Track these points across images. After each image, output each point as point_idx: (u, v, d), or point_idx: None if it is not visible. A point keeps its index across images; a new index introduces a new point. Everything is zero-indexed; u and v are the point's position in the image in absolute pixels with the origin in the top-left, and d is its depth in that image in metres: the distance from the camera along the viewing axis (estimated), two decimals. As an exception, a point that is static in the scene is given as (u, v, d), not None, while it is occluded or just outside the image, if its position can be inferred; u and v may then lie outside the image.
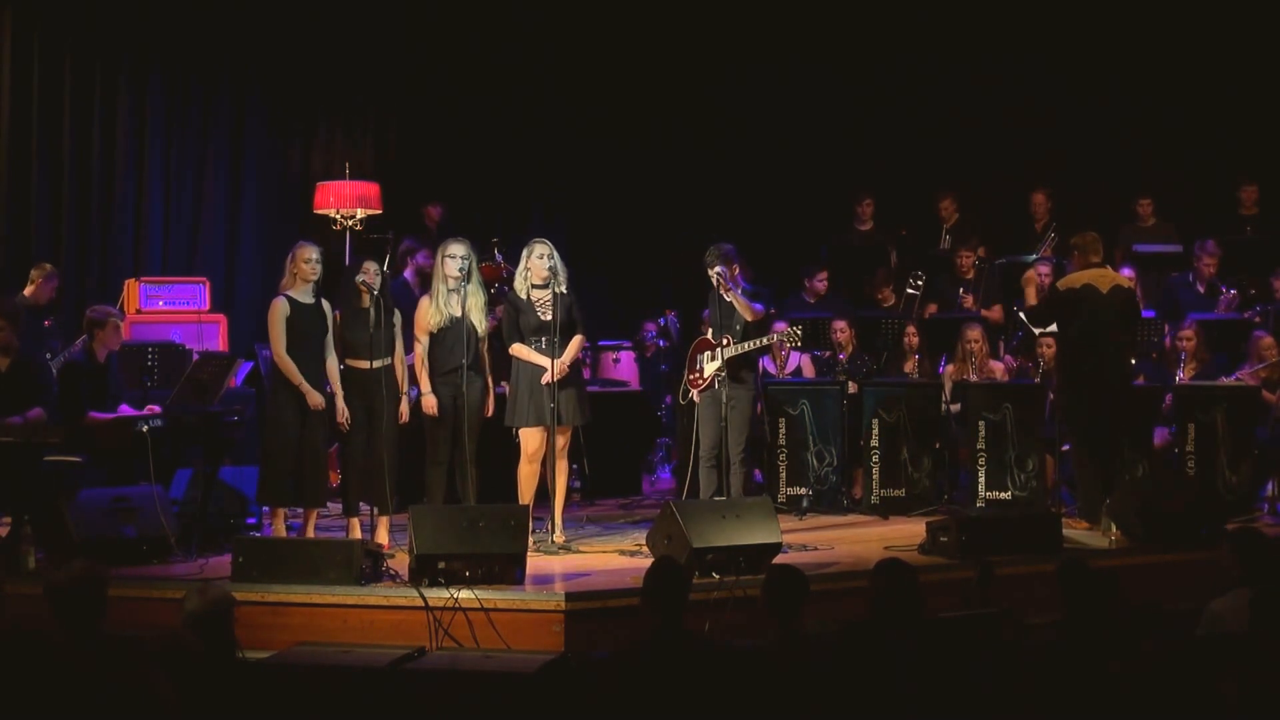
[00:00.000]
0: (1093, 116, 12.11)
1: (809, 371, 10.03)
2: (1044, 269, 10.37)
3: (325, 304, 7.82)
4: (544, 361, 7.74)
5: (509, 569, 6.62)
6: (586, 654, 5.96)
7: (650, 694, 4.71)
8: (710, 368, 8.18)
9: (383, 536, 7.76)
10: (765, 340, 8.33)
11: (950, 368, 9.87)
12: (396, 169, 12.21)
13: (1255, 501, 8.99)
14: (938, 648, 5.06)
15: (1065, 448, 8.93)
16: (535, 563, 7.01)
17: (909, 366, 9.98)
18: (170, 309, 10.32)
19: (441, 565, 6.53)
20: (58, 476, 7.62)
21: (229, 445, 8.24)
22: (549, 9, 12.58)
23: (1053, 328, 8.88)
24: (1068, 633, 5.09)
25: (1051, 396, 9.13)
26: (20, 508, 7.34)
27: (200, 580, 6.51)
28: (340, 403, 7.73)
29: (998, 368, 9.87)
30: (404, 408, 7.89)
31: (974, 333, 9.63)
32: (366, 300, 7.74)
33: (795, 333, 8.48)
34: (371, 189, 10.97)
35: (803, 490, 9.28)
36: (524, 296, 7.89)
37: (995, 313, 10.68)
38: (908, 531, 8.18)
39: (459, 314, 7.83)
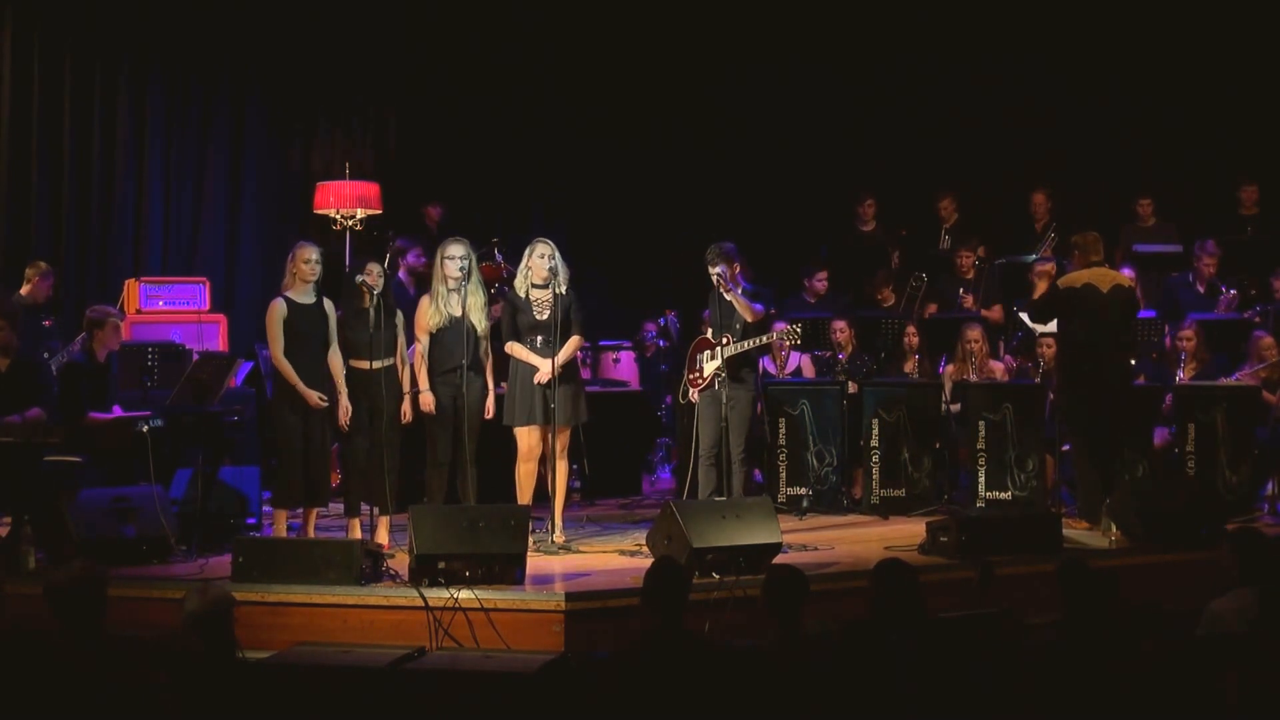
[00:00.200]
0: (1093, 116, 12.11)
1: (809, 371, 10.03)
2: (1044, 269, 10.35)
3: (328, 304, 7.82)
4: (538, 360, 7.75)
5: (509, 569, 6.62)
6: (586, 654, 5.96)
7: (650, 694, 4.71)
8: (710, 367, 8.18)
9: (383, 536, 7.76)
10: (765, 339, 8.33)
11: (950, 368, 9.87)
12: (396, 169, 12.21)
13: (1255, 501, 8.99)
14: (938, 648, 5.06)
15: (1065, 448, 8.93)
16: (535, 563, 7.01)
17: (909, 366, 9.98)
18: (170, 309, 10.31)
19: (441, 565, 6.53)
20: (58, 476, 7.61)
21: (229, 445, 8.24)
22: (549, 9, 12.58)
23: (1052, 327, 8.88)
24: (1068, 633, 5.09)
25: (1051, 396, 9.13)
26: (20, 508, 7.33)
27: (200, 580, 6.52)
28: (344, 400, 7.72)
29: (998, 368, 9.87)
30: (405, 407, 7.89)
31: (974, 333, 9.63)
32: (368, 301, 7.74)
33: (795, 331, 8.48)
34: (371, 189, 10.97)
35: (803, 490, 9.28)
36: (523, 295, 7.89)
37: (995, 313, 10.68)
38: (908, 531, 8.18)
39: (459, 314, 7.83)
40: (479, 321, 7.87)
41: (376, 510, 7.79)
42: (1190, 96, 11.91)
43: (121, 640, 4.85)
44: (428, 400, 7.84)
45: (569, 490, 8.27)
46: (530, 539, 7.06)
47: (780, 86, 12.68)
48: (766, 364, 9.83)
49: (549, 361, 7.68)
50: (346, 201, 10.83)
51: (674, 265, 10.92)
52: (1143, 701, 4.75)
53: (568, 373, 7.84)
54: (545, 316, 7.80)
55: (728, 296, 8.13)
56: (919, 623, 5.11)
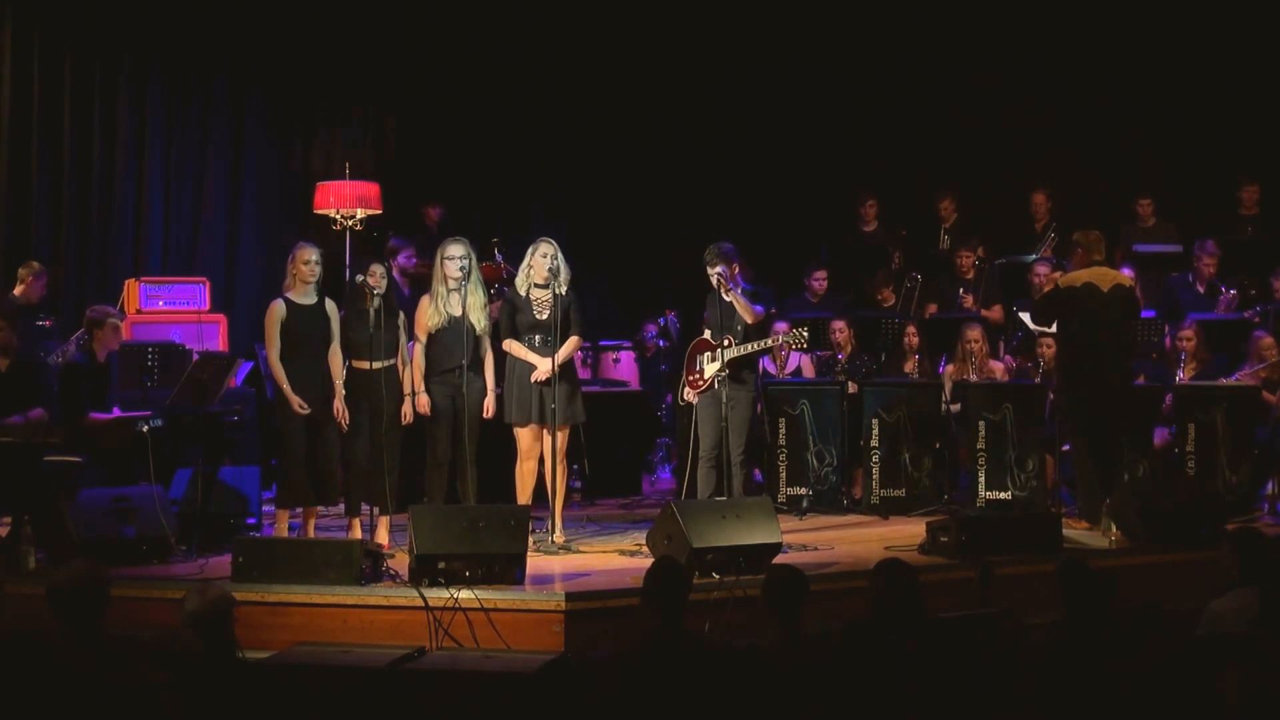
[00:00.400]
0: (1093, 116, 12.11)
1: (809, 371, 10.03)
2: (1044, 269, 10.37)
3: (329, 304, 7.82)
4: (535, 359, 7.75)
5: (509, 569, 6.62)
6: (586, 654, 5.97)
7: (650, 694, 4.71)
8: (711, 369, 8.16)
9: (383, 536, 7.76)
10: (768, 342, 8.32)
11: (950, 368, 9.87)
12: (396, 169, 12.21)
13: (1255, 501, 8.98)
14: (938, 648, 5.06)
15: (1065, 448, 8.93)
16: (535, 563, 7.01)
17: (909, 366, 9.98)
18: (170, 309, 10.32)
19: (441, 565, 6.53)
20: (58, 476, 7.61)
21: (229, 445, 8.24)
22: (549, 9, 12.57)
23: (1052, 327, 8.87)
24: (1068, 633, 5.09)
25: (1051, 396, 9.13)
26: (20, 508, 7.33)
27: (200, 580, 6.52)
28: (339, 402, 7.73)
29: (998, 368, 9.87)
30: (406, 408, 7.89)
31: (974, 333, 9.63)
32: (369, 301, 7.74)
33: (801, 334, 8.41)
34: (371, 189, 10.97)
35: (803, 490, 9.28)
36: (523, 294, 7.89)
37: (995, 313, 10.67)
38: (908, 531, 8.18)
39: (459, 313, 7.83)
40: (479, 321, 7.87)
41: (376, 510, 7.79)
42: (1190, 96, 11.90)
43: (121, 640, 4.84)
44: (422, 402, 7.86)
45: (569, 490, 8.27)
46: (530, 539, 7.06)
47: (780, 87, 12.68)
48: (766, 364, 9.82)
49: (548, 360, 7.68)
50: (346, 201, 10.82)
51: (674, 265, 10.92)
52: (1143, 701, 4.75)
53: (564, 373, 7.84)
54: (545, 316, 7.80)
55: (727, 297, 8.12)
56: (919, 623, 5.11)
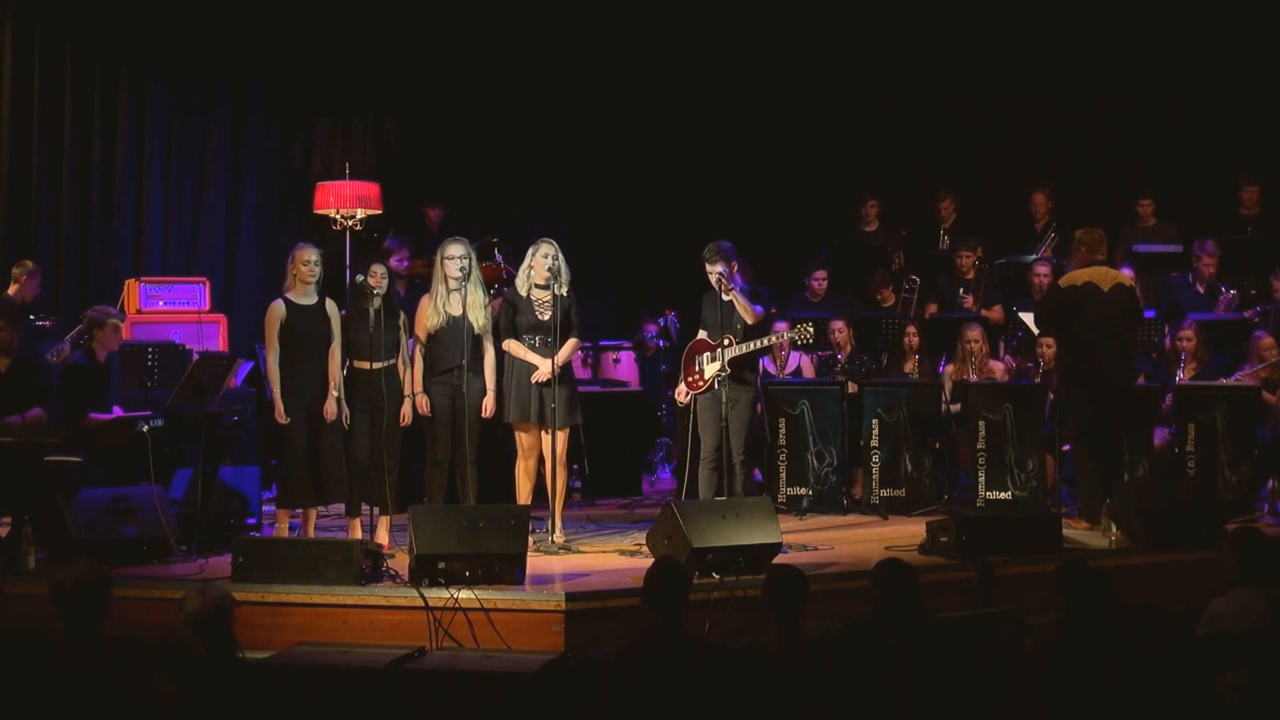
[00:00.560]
0: (1093, 117, 12.11)
1: (809, 371, 10.03)
2: (1044, 269, 10.37)
3: (330, 305, 7.82)
4: (536, 359, 7.75)
5: (509, 569, 6.62)
6: (586, 654, 5.96)
7: (650, 694, 4.71)
8: (711, 369, 8.14)
9: (383, 536, 7.76)
10: (770, 340, 8.31)
11: (950, 368, 9.87)
12: (396, 169, 12.21)
13: (1255, 501, 8.99)
14: (938, 648, 5.06)
15: (1065, 448, 8.93)
16: (535, 563, 7.01)
17: (909, 366, 9.98)
18: (170, 309, 10.31)
19: (441, 565, 6.53)
20: (58, 476, 7.61)
21: (229, 445, 8.24)
22: (549, 9, 12.57)
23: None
24: (1068, 633, 5.09)
25: (1051, 397, 9.13)
26: (20, 508, 7.33)
27: (200, 580, 6.53)
28: (331, 404, 7.71)
29: (998, 368, 9.88)
30: (405, 409, 7.89)
31: (974, 333, 9.63)
32: (370, 301, 7.74)
33: (806, 329, 8.31)
34: (371, 189, 10.97)
35: (803, 490, 9.28)
36: (524, 294, 7.90)
37: (995, 313, 10.67)
38: (908, 531, 8.18)
39: (458, 313, 7.83)
40: (478, 321, 7.87)
41: (376, 510, 7.79)
42: (1190, 96, 11.90)
43: (121, 640, 4.84)
44: (422, 404, 7.86)
45: (569, 490, 8.27)
46: (530, 539, 7.06)
47: (781, 86, 12.67)
48: (766, 364, 9.83)
49: (548, 361, 7.68)
50: (346, 201, 10.82)
51: (674, 265, 10.92)
52: (1143, 701, 4.75)
53: (564, 374, 7.84)
54: (547, 317, 7.80)
55: (727, 296, 8.11)
56: (919, 623, 5.11)
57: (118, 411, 7.94)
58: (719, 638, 6.07)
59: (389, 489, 7.73)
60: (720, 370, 8.03)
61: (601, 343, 11.20)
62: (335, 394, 7.71)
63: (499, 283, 9.54)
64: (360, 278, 7.83)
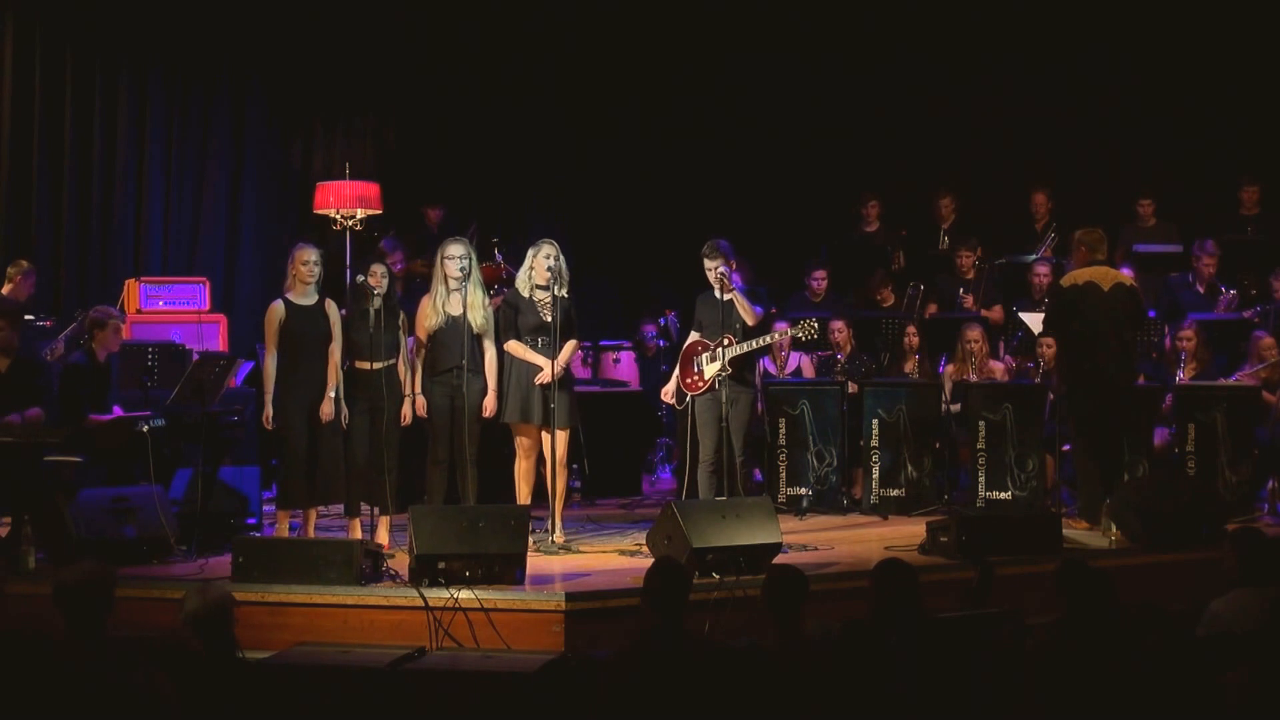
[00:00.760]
0: (1093, 116, 12.11)
1: (809, 371, 10.03)
2: (1044, 269, 10.37)
3: (330, 305, 7.82)
4: (540, 360, 7.75)
5: (509, 569, 6.62)
6: (586, 654, 5.96)
7: (650, 694, 4.71)
8: (711, 369, 8.11)
9: (383, 536, 7.76)
10: (770, 339, 8.31)
11: (950, 368, 9.87)
12: (396, 169, 12.21)
13: (1255, 501, 8.99)
14: (938, 648, 5.06)
15: (1065, 448, 8.93)
16: (535, 563, 7.01)
17: (909, 366, 9.98)
18: (170, 309, 10.31)
19: (441, 565, 6.53)
20: (58, 476, 7.61)
21: (229, 445, 8.25)
22: (549, 9, 12.57)
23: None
24: (1068, 633, 5.09)
25: (1051, 397, 9.13)
26: (20, 508, 7.33)
27: (200, 580, 6.53)
28: (328, 405, 7.72)
29: (998, 368, 9.88)
30: (405, 409, 7.89)
31: (974, 333, 9.63)
32: (370, 301, 7.74)
33: (811, 325, 8.24)
34: (371, 189, 10.97)
35: (803, 490, 9.28)
36: (525, 295, 7.89)
37: (995, 313, 10.67)
38: (908, 531, 8.18)
39: (458, 313, 7.84)
40: (478, 321, 7.87)
41: (376, 510, 7.79)
42: (1190, 97, 11.90)
43: (121, 640, 4.84)
44: (420, 405, 7.88)
45: (569, 490, 8.26)
46: (530, 539, 7.06)
47: (781, 86, 12.67)
48: (766, 364, 9.83)
49: (551, 362, 7.68)
50: (346, 201, 10.82)
51: (674, 265, 10.92)
52: (1143, 701, 4.74)
53: (564, 375, 7.84)
54: (548, 318, 7.80)
55: (727, 295, 8.08)
56: (919, 623, 5.11)
57: (118, 411, 7.94)
58: (719, 638, 6.07)
59: (389, 489, 7.74)
60: (721, 370, 8.02)
61: (601, 343, 11.20)
62: (332, 394, 7.71)
63: (499, 283, 9.54)
64: (360, 278, 7.84)
